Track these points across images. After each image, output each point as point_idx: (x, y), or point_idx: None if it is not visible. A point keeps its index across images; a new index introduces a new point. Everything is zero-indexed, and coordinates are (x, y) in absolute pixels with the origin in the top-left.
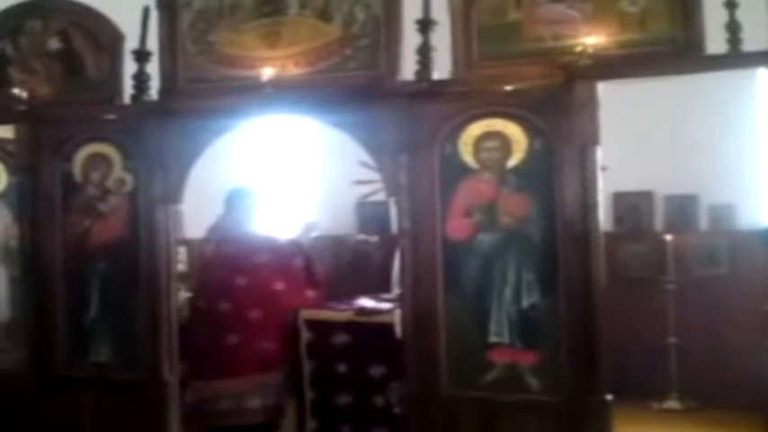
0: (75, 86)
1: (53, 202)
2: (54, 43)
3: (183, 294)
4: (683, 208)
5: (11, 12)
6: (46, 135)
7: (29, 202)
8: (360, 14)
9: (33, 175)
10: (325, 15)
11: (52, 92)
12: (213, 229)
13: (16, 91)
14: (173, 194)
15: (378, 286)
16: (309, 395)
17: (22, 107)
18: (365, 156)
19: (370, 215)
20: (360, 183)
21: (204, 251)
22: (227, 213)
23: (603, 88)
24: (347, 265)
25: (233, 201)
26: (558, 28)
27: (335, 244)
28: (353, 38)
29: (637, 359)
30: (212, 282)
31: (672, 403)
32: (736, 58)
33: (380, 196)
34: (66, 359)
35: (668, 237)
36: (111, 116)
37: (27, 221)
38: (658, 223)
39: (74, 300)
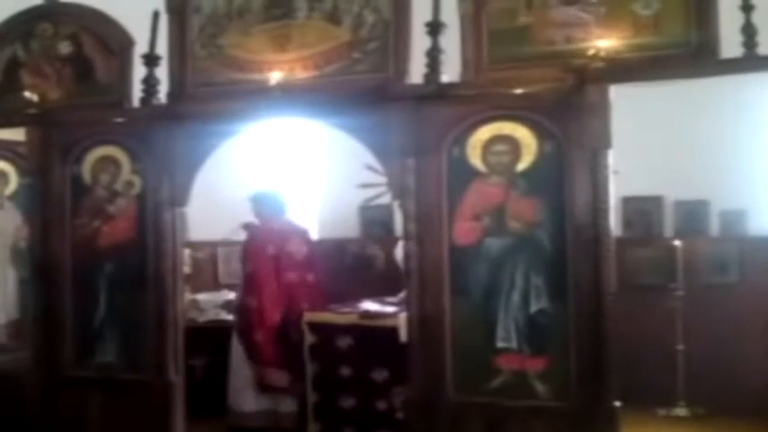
0: (86, 90)
1: (62, 203)
2: (65, 47)
3: (189, 296)
4: (693, 213)
5: (22, 15)
6: (56, 138)
7: (39, 204)
8: (369, 17)
9: (43, 178)
10: (334, 18)
11: (63, 95)
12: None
13: (27, 94)
14: (180, 197)
15: (381, 290)
16: (312, 398)
17: (33, 110)
18: (370, 159)
19: (373, 218)
20: (364, 186)
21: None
22: (280, 214)
23: (614, 92)
24: (350, 269)
25: (281, 203)
26: (569, 31)
27: (339, 247)
28: (362, 41)
29: (644, 365)
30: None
31: (679, 410)
32: (752, 61)
33: (384, 199)
34: (74, 359)
35: (678, 242)
36: (121, 119)
37: (37, 223)
38: (668, 229)
39: (82, 300)
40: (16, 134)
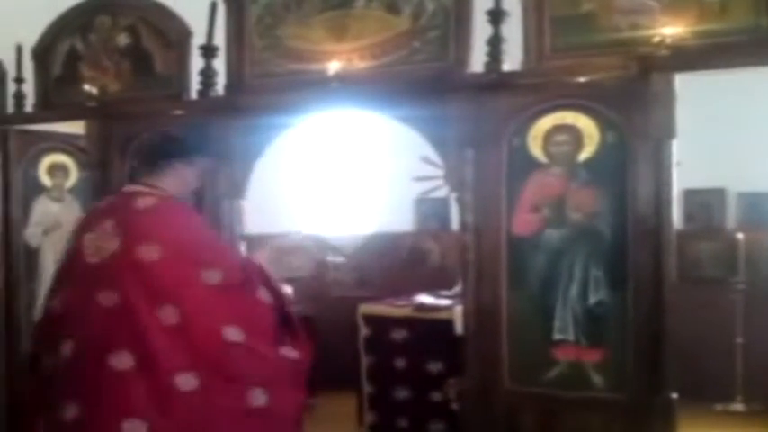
0: (144, 82)
1: None
2: (123, 39)
3: None
4: (756, 205)
5: (81, 8)
6: (116, 131)
7: (99, 197)
8: (429, 6)
9: (103, 171)
10: (393, 7)
11: (122, 88)
12: None
13: (86, 87)
14: (237, 189)
15: (436, 284)
16: (367, 389)
17: (92, 103)
18: (425, 151)
19: (428, 212)
20: (420, 179)
21: None
22: None
23: (679, 81)
24: (405, 263)
25: None
26: (634, 18)
27: (394, 241)
28: (422, 30)
29: (703, 359)
30: None
31: (736, 405)
32: None
33: (440, 193)
34: None
35: (740, 235)
36: (179, 112)
37: None
38: (730, 221)
39: None
40: (76, 127)
